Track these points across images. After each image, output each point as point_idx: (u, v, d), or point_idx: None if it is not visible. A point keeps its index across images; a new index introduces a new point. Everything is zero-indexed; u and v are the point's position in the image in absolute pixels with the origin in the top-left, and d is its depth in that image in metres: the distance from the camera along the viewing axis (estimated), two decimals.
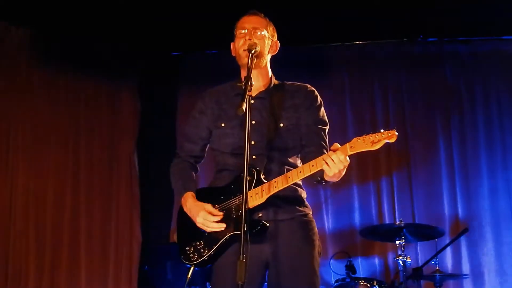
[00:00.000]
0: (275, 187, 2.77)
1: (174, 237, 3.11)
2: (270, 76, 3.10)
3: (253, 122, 2.90)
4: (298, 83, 3.13)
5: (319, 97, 3.08)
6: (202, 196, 2.99)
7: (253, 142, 2.88)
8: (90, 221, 5.94)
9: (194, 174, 3.18)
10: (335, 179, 2.76)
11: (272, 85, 3.08)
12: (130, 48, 6.22)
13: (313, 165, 2.68)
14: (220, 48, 6.30)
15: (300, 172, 2.72)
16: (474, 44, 6.20)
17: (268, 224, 2.81)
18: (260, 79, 3.04)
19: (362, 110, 6.21)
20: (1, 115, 5.61)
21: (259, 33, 2.98)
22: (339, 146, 2.62)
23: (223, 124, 3.03)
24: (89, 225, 5.93)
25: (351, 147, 2.60)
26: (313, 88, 3.11)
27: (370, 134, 2.59)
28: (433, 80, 6.22)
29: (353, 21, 5.75)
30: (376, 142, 2.56)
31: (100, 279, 5.89)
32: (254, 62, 2.80)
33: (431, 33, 6.13)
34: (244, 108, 2.53)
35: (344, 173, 2.74)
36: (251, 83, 2.62)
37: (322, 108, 3.07)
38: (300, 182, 3.03)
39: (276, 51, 3.11)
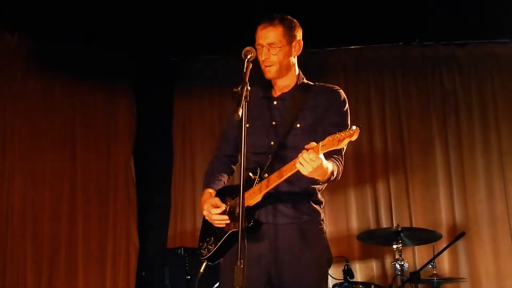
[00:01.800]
0: (268, 185, 2.80)
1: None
2: (297, 75, 3.12)
3: (273, 123, 3.00)
4: (328, 85, 3.15)
5: (342, 98, 3.08)
6: (221, 194, 3.06)
7: (272, 143, 2.96)
8: (87, 226, 5.94)
9: (225, 173, 3.20)
10: (319, 178, 2.72)
11: (297, 85, 3.09)
12: (126, 53, 6.22)
13: (294, 164, 2.68)
14: (217, 54, 6.31)
15: (285, 171, 2.73)
16: (470, 48, 6.21)
17: (261, 222, 2.85)
18: (284, 80, 3.08)
19: (358, 114, 6.21)
20: None
21: (276, 49, 2.98)
22: (315, 144, 2.61)
23: (247, 124, 3.04)
24: (86, 231, 5.92)
25: (323, 145, 2.59)
26: (339, 89, 3.11)
27: (340, 133, 2.57)
28: (429, 83, 6.22)
29: (348, 25, 5.76)
30: (341, 140, 2.54)
31: (98, 284, 5.88)
32: (250, 66, 2.80)
33: (426, 36, 6.14)
34: (240, 113, 2.54)
35: (329, 173, 2.73)
36: (247, 88, 2.62)
37: (344, 109, 3.06)
38: (316, 187, 3.01)
39: (299, 51, 3.11)
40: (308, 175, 2.64)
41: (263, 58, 2.97)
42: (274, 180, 2.78)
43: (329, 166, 2.72)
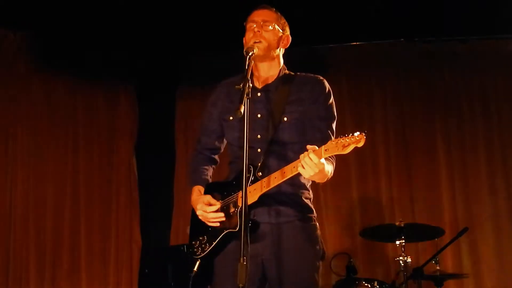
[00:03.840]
0: (265, 186, 2.78)
1: (187, 230, 3.16)
2: (280, 68, 3.08)
3: (259, 115, 2.96)
4: (311, 75, 3.10)
5: (327, 88, 3.04)
6: (210, 190, 3.03)
7: (258, 136, 2.93)
8: (90, 225, 5.95)
9: (209, 167, 3.19)
10: (318, 181, 2.76)
11: (280, 76, 3.05)
12: (128, 51, 6.21)
13: (294, 167, 2.68)
14: (219, 51, 6.30)
15: (284, 173, 2.73)
16: (472, 44, 6.20)
17: (259, 223, 2.83)
18: (268, 71, 3.05)
19: (360, 111, 6.22)
20: None
21: (269, 26, 2.98)
22: (317, 148, 2.60)
23: (231, 118, 3.04)
24: (89, 229, 5.93)
25: (325, 150, 2.57)
26: (323, 79, 3.07)
27: (343, 137, 2.55)
28: (431, 80, 6.22)
29: (350, 22, 5.76)
30: (346, 146, 2.52)
31: (101, 283, 5.90)
32: (252, 63, 2.80)
33: (428, 33, 6.13)
34: (242, 110, 2.53)
35: (329, 176, 2.75)
36: (249, 85, 2.62)
37: (330, 100, 3.02)
38: (306, 182, 3.01)
39: (287, 45, 3.10)
40: (309, 178, 2.67)
41: (256, 30, 2.95)
42: (274, 181, 2.76)
43: (329, 169, 2.74)
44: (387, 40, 6.24)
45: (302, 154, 2.60)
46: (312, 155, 2.57)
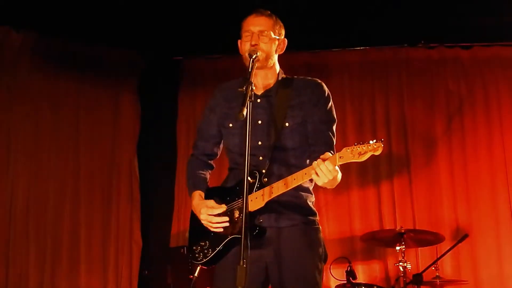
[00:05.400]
0: (272, 192, 2.77)
1: (187, 235, 3.15)
2: (277, 73, 3.06)
3: (259, 122, 2.94)
4: (309, 78, 3.10)
5: (326, 92, 3.03)
6: (211, 195, 3.01)
7: (259, 143, 2.92)
8: (91, 225, 5.94)
9: (207, 172, 3.17)
10: (329, 187, 2.75)
11: (278, 81, 3.04)
12: (130, 52, 6.22)
13: (305, 173, 2.68)
14: (221, 53, 6.31)
15: (295, 179, 2.72)
16: (475, 50, 6.19)
17: (266, 229, 2.82)
18: (267, 78, 3.03)
19: (362, 116, 6.21)
20: (1, 119, 5.61)
21: (265, 35, 2.94)
22: (330, 155, 2.60)
23: (230, 125, 3.02)
24: (89, 229, 5.93)
25: (340, 157, 2.58)
26: (321, 83, 3.06)
27: (358, 145, 2.55)
28: (434, 85, 6.22)
29: (353, 26, 5.76)
30: (363, 154, 2.53)
31: (100, 283, 5.89)
32: (255, 66, 2.79)
33: (431, 38, 6.13)
34: (244, 113, 2.52)
35: (339, 181, 2.74)
36: (252, 88, 2.61)
37: (330, 103, 3.02)
38: (308, 186, 3.00)
39: (283, 49, 3.08)
40: (321, 184, 2.66)
41: (252, 43, 2.92)
42: (280, 189, 2.76)
43: (340, 175, 2.73)
44: (391, 45, 6.24)
45: (316, 162, 2.60)
46: (327, 163, 2.57)
